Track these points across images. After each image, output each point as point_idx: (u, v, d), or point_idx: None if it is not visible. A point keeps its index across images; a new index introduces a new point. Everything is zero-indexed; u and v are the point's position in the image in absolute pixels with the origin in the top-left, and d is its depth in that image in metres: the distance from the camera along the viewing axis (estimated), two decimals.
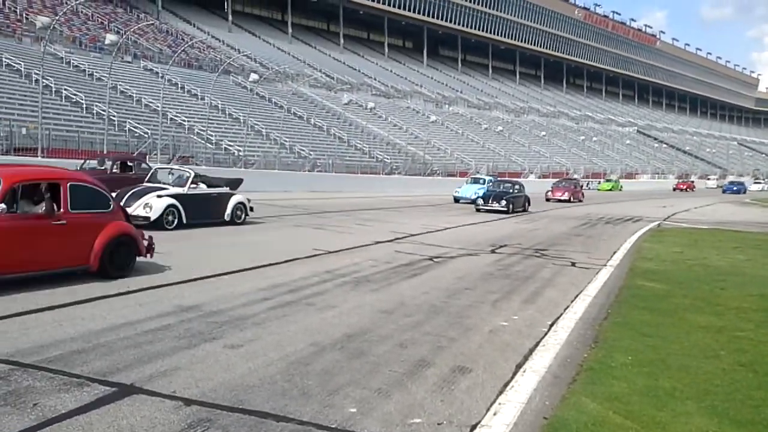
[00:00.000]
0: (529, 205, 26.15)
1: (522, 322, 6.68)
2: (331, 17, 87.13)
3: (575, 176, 59.81)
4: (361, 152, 52.36)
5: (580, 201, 36.06)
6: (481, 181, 32.61)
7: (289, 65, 65.99)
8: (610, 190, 59.88)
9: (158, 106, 36.31)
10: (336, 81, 68.20)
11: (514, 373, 4.95)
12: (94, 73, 41.42)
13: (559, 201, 34.85)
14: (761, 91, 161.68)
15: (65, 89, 36.53)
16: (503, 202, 23.80)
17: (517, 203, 24.95)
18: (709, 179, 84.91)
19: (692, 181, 72.15)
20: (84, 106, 36.15)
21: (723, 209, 35.57)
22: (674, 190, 65.57)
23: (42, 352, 4.79)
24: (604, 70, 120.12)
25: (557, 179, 45.94)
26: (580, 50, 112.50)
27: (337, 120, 57.50)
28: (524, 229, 18.60)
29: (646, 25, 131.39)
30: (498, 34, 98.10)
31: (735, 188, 63.32)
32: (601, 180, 69.71)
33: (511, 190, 25.76)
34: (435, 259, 11.03)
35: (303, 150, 45.75)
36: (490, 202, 24.05)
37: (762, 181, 79.19)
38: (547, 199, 35.19)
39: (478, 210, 23.97)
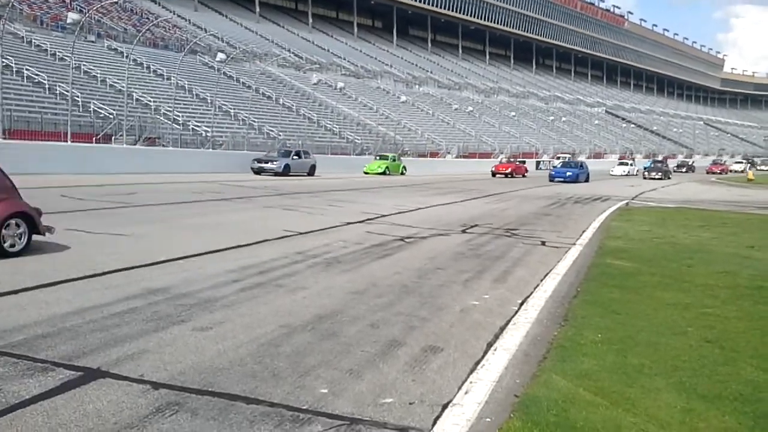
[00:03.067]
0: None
1: (493, 301, 6.71)
2: None
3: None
4: (331, 133, 52.13)
5: None
6: None
7: (256, 45, 65.22)
8: (383, 173, 39.37)
9: (123, 87, 35.66)
10: (305, 61, 67.60)
11: (485, 352, 4.96)
12: (57, 53, 40.51)
13: None
14: (726, 71, 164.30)
15: (27, 69, 35.67)
16: None
17: None
18: (557, 158, 63.67)
19: (523, 162, 50.07)
20: (47, 86, 35.38)
21: (690, 188, 36.16)
22: (493, 175, 43.09)
23: (5, 336, 4.67)
24: (573, 51, 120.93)
25: None
26: (549, 30, 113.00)
27: (307, 100, 57.10)
28: (495, 209, 18.69)
29: (614, 6, 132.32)
30: (467, 14, 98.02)
31: (568, 174, 39.13)
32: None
33: None
34: (406, 240, 11.02)
35: (272, 131, 45.41)
36: None
37: (629, 163, 59.59)
38: None
39: None
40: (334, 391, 3.98)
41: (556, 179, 38.24)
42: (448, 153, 58.73)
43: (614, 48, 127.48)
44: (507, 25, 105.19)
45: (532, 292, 7.16)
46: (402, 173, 41.11)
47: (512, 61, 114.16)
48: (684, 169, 67.46)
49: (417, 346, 5.03)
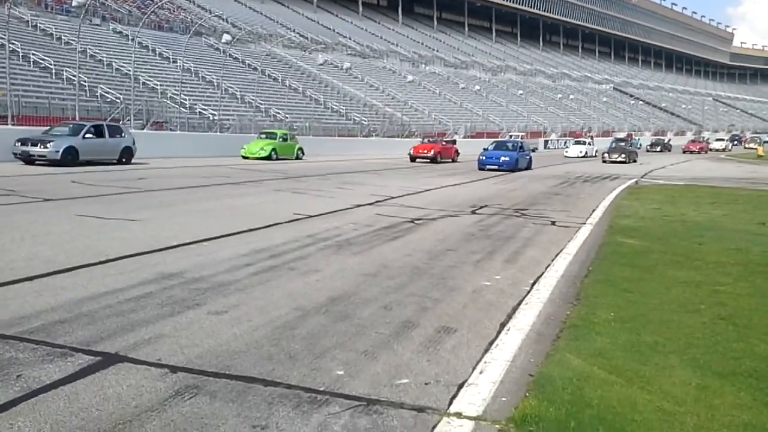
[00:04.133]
0: None
1: (504, 282, 6.72)
2: None
3: None
4: (338, 114, 51.99)
5: None
6: None
7: (261, 25, 64.86)
8: (268, 157, 29.95)
9: (129, 71, 35.58)
10: (310, 41, 67.28)
11: (499, 332, 4.98)
12: (63, 37, 40.43)
13: None
14: (736, 45, 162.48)
15: (33, 54, 35.64)
16: None
17: None
18: (511, 136, 53.12)
19: (453, 143, 39.77)
20: (53, 71, 35.34)
21: (699, 165, 35.95)
22: (413, 160, 34.09)
23: (23, 323, 4.72)
24: (581, 27, 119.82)
25: None
26: (556, 6, 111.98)
27: (313, 81, 56.92)
28: (503, 189, 18.67)
29: None
30: None
31: (504, 159, 27.74)
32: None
33: None
34: (416, 221, 11.03)
35: (279, 113, 45.31)
36: None
37: (586, 142, 50.24)
38: None
39: None
40: (350, 373, 4.02)
41: (488, 167, 27.30)
42: (456, 133, 58.32)
43: (622, 23, 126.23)
44: (513, 2, 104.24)
45: (543, 272, 7.17)
46: (298, 157, 32.17)
47: (519, 38, 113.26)
48: (658, 149, 60.27)
49: (430, 327, 5.05)
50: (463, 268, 7.34)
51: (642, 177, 24.65)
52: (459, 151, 37.05)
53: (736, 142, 78.28)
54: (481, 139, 57.06)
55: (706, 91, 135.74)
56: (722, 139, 73.10)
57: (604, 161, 37.61)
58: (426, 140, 37.79)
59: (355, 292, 6.00)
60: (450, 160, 35.00)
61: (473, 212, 12.64)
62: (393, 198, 14.71)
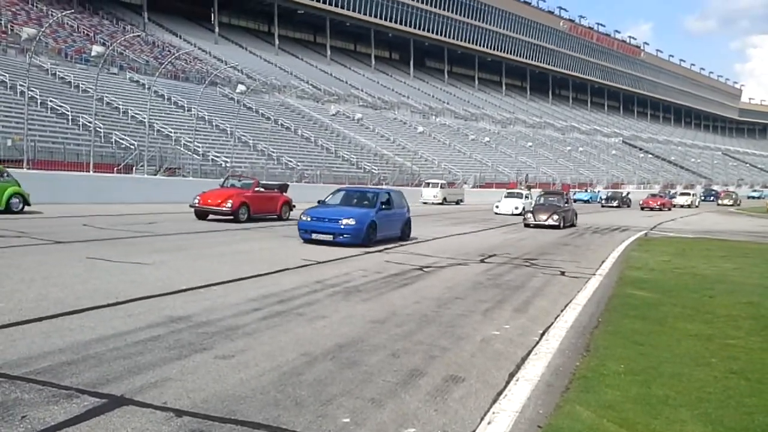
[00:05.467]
0: None
1: (513, 331, 6.68)
2: (317, 29, 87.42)
3: None
4: (348, 163, 52.42)
5: None
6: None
7: (276, 77, 66.01)
8: None
9: (145, 118, 36.16)
10: (323, 92, 68.35)
11: (507, 382, 4.93)
12: (80, 85, 41.28)
13: None
14: (744, 101, 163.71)
15: (51, 101, 36.36)
16: None
17: None
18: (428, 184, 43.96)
19: (280, 188, 22.79)
20: (70, 117, 35.98)
21: (709, 219, 35.83)
22: (201, 216, 19.75)
23: (30, 363, 4.72)
24: (590, 81, 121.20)
25: None
26: (566, 61, 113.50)
27: (325, 131, 57.58)
28: (512, 238, 18.64)
29: (630, 37, 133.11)
30: (484, 46, 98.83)
31: (345, 223, 14.03)
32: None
33: None
34: (425, 269, 11.02)
35: (290, 161, 45.73)
36: None
37: (524, 195, 35.62)
38: None
39: None
40: (357, 421, 3.98)
41: (315, 237, 14.41)
42: (465, 183, 58.51)
43: (631, 78, 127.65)
44: (523, 57, 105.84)
45: (552, 323, 7.12)
46: (9, 208, 17.98)
47: (528, 91, 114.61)
48: (614, 203, 50.61)
49: (438, 375, 5.01)
50: (471, 316, 7.30)
51: (652, 229, 24.59)
52: (292, 204, 22.47)
53: (712, 198, 69.64)
54: (490, 189, 56.86)
55: (715, 145, 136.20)
56: (687, 194, 60.07)
57: (527, 224, 24.08)
58: (229, 183, 21.98)
59: (362, 339, 5.97)
60: (275, 216, 21.41)
61: (482, 261, 12.61)
62: (402, 245, 14.72)
